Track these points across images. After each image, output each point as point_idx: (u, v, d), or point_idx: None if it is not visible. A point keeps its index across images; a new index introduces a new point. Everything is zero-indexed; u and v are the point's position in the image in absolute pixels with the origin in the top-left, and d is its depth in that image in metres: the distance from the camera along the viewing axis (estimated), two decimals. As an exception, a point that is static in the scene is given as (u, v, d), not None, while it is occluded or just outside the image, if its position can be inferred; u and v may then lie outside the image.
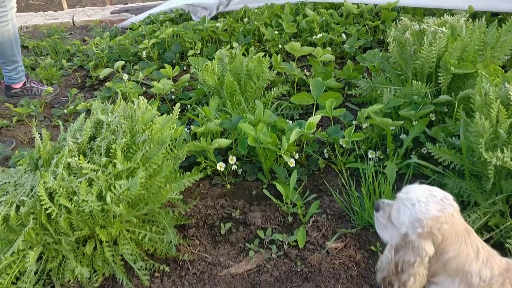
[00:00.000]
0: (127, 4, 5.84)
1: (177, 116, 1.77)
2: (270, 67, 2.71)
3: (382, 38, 3.42)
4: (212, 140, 1.97)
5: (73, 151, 1.64)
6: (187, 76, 2.76)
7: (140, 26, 4.21)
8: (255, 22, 3.33)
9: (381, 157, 2.03)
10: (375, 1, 3.49)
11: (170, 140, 1.74)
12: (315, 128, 1.92)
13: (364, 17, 3.44)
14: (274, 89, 2.53)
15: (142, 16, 4.60)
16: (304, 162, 2.16)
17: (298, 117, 2.53)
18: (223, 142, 1.93)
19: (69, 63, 3.73)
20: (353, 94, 2.39)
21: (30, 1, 6.95)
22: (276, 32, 3.30)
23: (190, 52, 3.30)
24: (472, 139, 1.54)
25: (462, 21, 2.09)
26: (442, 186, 1.72)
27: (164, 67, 3.36)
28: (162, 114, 2.53)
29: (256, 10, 3.65)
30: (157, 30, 3.73)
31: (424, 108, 1.94)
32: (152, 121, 1.73)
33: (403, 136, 2.02)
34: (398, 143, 2.05)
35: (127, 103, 1.88)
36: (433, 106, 1.93)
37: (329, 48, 3.13)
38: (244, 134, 1.93)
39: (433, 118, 2.07)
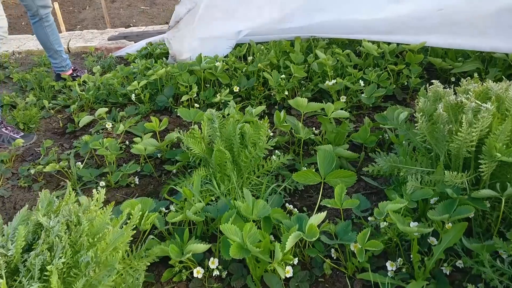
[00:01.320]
0: (130, 27, 5.54)
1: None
2: (272, 125, 2.34)
3: (406, 83, 3.01)
4: (190, 233, 1.60)
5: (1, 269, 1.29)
6: (172, 135, 2.39)
7: (135, 58, 3.88)
8: (259, 64, 2.95)
9: (403, 266, 1.62)
10: (399, 39, 3.09)
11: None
12: (318, 234, 1.52)
13: (386, 58, 3.04)
14: (274, 157, 2.14)
15: (140, 45, 4.28)
16: (306, 260, 1.76)
17: (303, 188, 2.15)
18: (199, 248, 1.55)
19: (52, 102, 3.41)
20: (369, 172, 1.98)
21: (31, 20, 6.71)
22: (283, 76, 2.92)
23: (184, 98, 2.94)
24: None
25: None
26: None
27: (157, 110, 3.03)
28: (144, 175, 2.17)
29: (262, 47, 3.28)
30: (151, 66, 3.39)
31: (461, 210, 1.53)
32: (102, 233, 1.35)
33: (432, 239, 1.61)
34: (425, 248, 1.64)
35: (76, 197, 1.53)
36: (473, 210, 1.51)
37: (343, 98, 2.74)
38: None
39: (471, 215, 1.65)
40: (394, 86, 2.88)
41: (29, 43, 5.09)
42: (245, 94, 3.10)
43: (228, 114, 2.29)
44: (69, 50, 4.80)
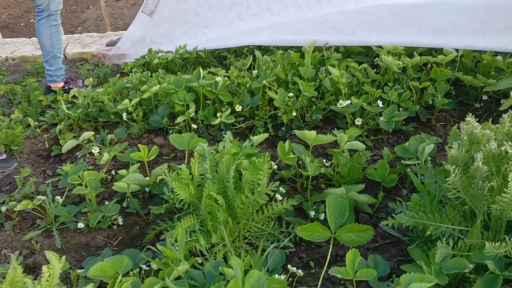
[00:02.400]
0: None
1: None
2: (275, 159, 2.05)
3: (431, 101, 2.68)
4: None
5: None
6: (160, 170, 2.11)
7: (131, 68, 3.61)
8: (264, 81, 2.65)
9: None
10: (426, 42, 2.75)
11: None
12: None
13: (408, 73, 2.70)
14: (278, 196, 1.86)
15: (140, 52, 4.01)
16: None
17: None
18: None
19: (40, 119, 3.16)
20: (389, 225, 1.67)
21: (32, 20, 6.51)
22: (291, 94, 2.62)
23: (180, 118, 2.66)
24: None
25: None
26: None
27: (152, 130, 2.76)
28: (130, 213, 1.88)
29: (268, 59, 2.97)
30: (146, 80, 3.11)
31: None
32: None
33: (468, 324, 1.31)
34: (459, 334, 1.34)
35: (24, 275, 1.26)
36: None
37: (359, 120, 2.43)
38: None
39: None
40: (418, 106, 2.55)
41: (25, 47, 4.86)
42: (249, 113, 2.80)
43: (224, 147, 2.00)
44: (65, 57, 4.56)
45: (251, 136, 2.15)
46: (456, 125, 1.72)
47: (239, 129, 2.78)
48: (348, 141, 2.11)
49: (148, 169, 2.32)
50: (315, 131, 1.98)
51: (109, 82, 3.09)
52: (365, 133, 2.55)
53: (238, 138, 2.75)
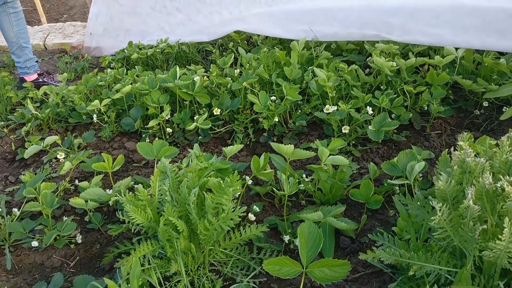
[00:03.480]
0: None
1: None
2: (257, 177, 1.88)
3: (426, 108, 2.48)
4: None
5: None
6: (124, 182, 1.93)
7: (110, 63, 3.41)
8: (244, 83, 2.44)
9: None
10: (425, 40, 2.54)
11: None
12: None
13: (402, 76, 2.50)
14: (245, 230, 1.68)
15: (117, 45, 3.80)
16: None
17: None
18: None
19: (8, 119, 2.97)
20: (368, 260, 1.49)
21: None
22: (274, 97, 2.41)
23: (152, 123, 2.46)
24: None
25: None
26: None
27: (126, 133, 2.57)
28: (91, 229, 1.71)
29: (251, 56, 2.76)
30: (121, 77, 2.91)
31: None
32: None
33: None
34: None
35: None
36: None
37: (346, 128, 2.24)
38: None
39: None
40: (411, 113, 2.34)
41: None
42: (229, 116, 2.61)
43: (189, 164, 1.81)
44: (45, 47, 4.35)
45: (224, 148, 1.96)
46: (447, 150, 1.52)
47: (218, 134, 2.59)
48: (331, 154, 1.91)
49: (113, 180, 2.13)
50: (292, 146, 1.79)
51: (82, 80, 2.89)
52: (353, 142, 2.35)
53: (216, 143, 2.56)
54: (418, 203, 1.41)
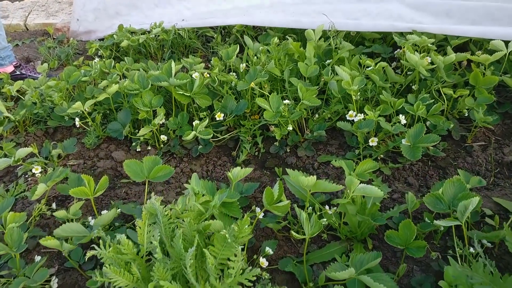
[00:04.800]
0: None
1: None
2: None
3: (467, 114, 2.12)
4: None
5: None
6: (108, 215, 1.61)
7: (97, 50, 3.03)
8: (251, 83, 2.09)
9: None
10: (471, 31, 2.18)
11: None
12: None
13: (438, 76, 2.13)
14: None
15: (108, 27, 3.42)
16: None
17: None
18: None
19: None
20: None
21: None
22: (287, 101, 2.06)
23: (143, 131, 2.12)
24: None
25: None
26: None
27: (114, 138, 2.24)
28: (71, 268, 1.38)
29: (260, 49, 2.38)
30: (109, 71, 2.55)
31: None
32: None
33: None
34: None
35: None
36: None
37: (374, 140, 1.90)
38: None
39: None
40: (451, 124, 1.99)
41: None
42: (234, 122, 2.26)
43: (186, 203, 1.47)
44: (26, 28, 3.95)
45: (229, 173, 1.62)
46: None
47: (221, 141, 2.25)
48: (360, 180, 1.57)
49: (95, 207, 1.81)
50: (314, 178, 1.44)
51: (63, 74, 2.52)
52: (382, 156, 2.01)
53: (219, 153, 2.22)
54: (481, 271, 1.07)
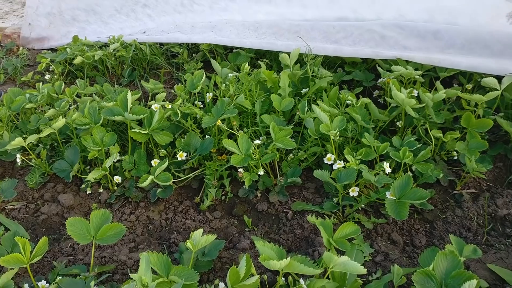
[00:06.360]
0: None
1: None
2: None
3: (456, 157, 1.94)
4: None
5: None
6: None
7: (48, 65, 2.75)
8: (218, 121, 1.86)
9: None
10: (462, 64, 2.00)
11: None
12: None
13: (426, 114, 1.94)
14: None
15: (64, 34, 3.13)
16: None
17: None
18: None
19: None
20: None
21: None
22: (258, 141, 1.84)
23: (92, 175, 1.87)
24: None
25: None
26: None
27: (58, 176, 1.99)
28: None
29: (230, 75, 2.16)
30: (57, 96, 2.28)
31: None
32: None
33: None
34: None
35: None
36: None
37: (355, 190, 1.71)
38: None
39: None
40: (441, 173, 1.80)
41: None
42: (198, 161, 2.03)
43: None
44: (-28, 32, 3.60)
45: (189, 242, 1.40)
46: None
47: (184, 181, 2.02)
48: (338, 247, 1.39)
49: (32, 276, 1.55)
50: (288, 259, 1.23)
51: (3, 99, 2.23)
52: (363, 206, 1.82)
53: (181, 196, 2.00)
54: None
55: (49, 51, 3.14)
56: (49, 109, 2.19)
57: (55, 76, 2.72)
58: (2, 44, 3.35)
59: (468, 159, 1.77)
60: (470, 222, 1.75)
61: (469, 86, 2.13)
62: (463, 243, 1.51)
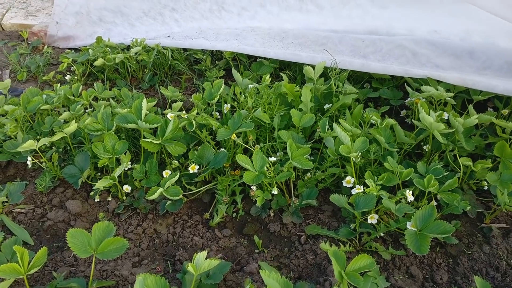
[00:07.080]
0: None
1: None
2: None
3: (487, 187, 1.81)
4: None
5: None
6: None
7: (69, 66, 2.73)
8: (233, 135, 1.78)
9: None
10: (499, 87, 1.88)
11: None
12: None
13: (455, 139, 1.81)
14: None
15: (90, 34, 3.12)
16: None
17: None
18: None
19: None
20: None
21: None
22: (273, 158, 1.75)
23: (101, 183, 1.81)
24: None
25: None
26: None
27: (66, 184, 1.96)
28: None
29: (250, 86, 2.08)
30: (73, 99, 2.25)
31: None
32: None
33: None
34: None
35: None
36: None
37: (374, 218, 1.60)
38: None
39: None
40: (468, 205, 1.67)
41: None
42: (211, 175, 1.96)
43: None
44: (1, 28, 3.64)
45: (190, 266, 1.32)
46: None
47: (195, 194, 1.95)
48: (351, 283, 1.28)
49: (29, 286, 1.51)
50: (291, 284, 1.14)
51: (19, 100, 2.21)
52: (382, 234, 1.70)
53: (191, 210, 1.93)
54: None
55: (73, 50, 3.14)
56: (65, 111, 2.15)
57: (76, 77, 2.70)
58: (28, 42, 3.37)
59: (500, 191, 1.64)
60: (498, 260, 1.62)
61: (505, 112, 1.99)
62: (489, 287, 1.38)
